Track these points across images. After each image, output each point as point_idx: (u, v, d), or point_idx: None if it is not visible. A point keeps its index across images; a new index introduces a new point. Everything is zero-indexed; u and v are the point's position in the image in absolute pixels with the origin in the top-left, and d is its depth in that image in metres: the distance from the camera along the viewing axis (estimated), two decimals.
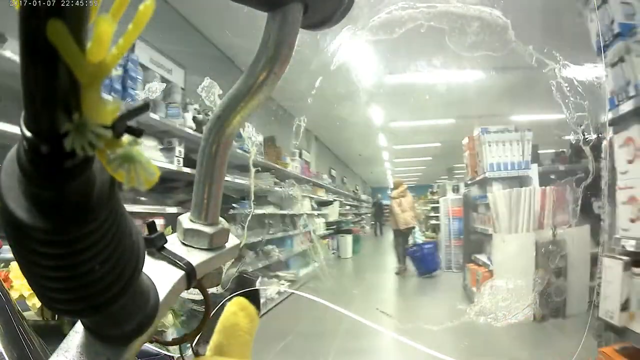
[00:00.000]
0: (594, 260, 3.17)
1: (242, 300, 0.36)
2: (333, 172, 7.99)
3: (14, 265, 0.66)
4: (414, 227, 6.16)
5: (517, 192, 3.28)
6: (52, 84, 0.14)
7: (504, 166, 3.60)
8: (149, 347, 0.43)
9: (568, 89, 1.84)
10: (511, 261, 3.11)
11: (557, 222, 3.17)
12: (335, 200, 7.16)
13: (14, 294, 0.63)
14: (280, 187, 4.16)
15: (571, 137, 2.21)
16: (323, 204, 6.68)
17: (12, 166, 0.16)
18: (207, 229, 0.31)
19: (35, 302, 0.62)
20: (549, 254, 2.98)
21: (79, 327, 0.24)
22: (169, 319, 0.67)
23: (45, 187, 0.16)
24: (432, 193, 9.64)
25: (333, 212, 6.86)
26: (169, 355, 0.41)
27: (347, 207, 8.64)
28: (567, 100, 1.85)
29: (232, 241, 0.34)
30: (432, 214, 8.72)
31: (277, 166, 4.13)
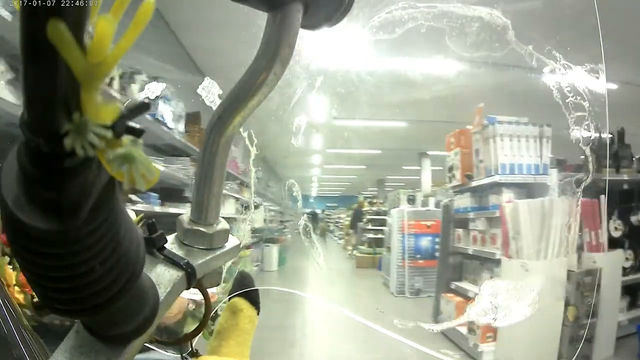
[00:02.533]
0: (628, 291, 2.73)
1: (241, 300, 0.36)
2: (259, 174, 6.86)
3: None
4: None
5: (549, 203, 2.40)
6: (52, 84, 0.14)
7: (519, 169, 2.71)
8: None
9: (568, 89, 1.84)
10: None
11: (591, 246, 2.49)
12: (261, 204, 6.13)
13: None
14: None
15: (572, 138, 2.15)
16: (248, 207, 5.97)
17: (12, 166, 0.16)
18: (207, 229, 0.31)
19: None
20: (583, 288, 2.27)
21: (79, 327, 0.24)
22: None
23: (45, 187, 0.16)
24: (372, 203, 8.85)
25: (258, 218, 5.78)
26: (169, 356, 0.42)
27: (272, 214, 7.83)
28: (567, 100, 1.84)
29: (232, 241, 0.34)
30: (370, 227, 7.91)
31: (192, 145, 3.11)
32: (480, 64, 3.15)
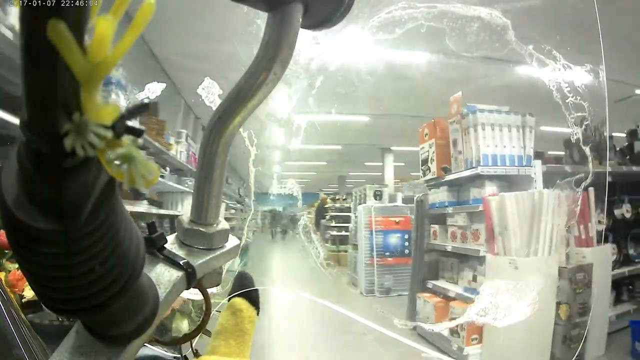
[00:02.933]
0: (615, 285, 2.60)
1: (241, 300, 0.36)
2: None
3: None
4: None
5: (539, 196, 2.23)
6: (53, 84, 0.14)
7: (502, 160, 2.55)
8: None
9: (568, 89, 1.83)
10: None
11: (580, 240, 2.37)
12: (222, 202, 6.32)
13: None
14: (162, 176, 3.07)
15: (572, 138, 2.09)
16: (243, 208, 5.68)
17: (13, 166, 0.16)
18: (207, 229, 0.32)
19: None
20: (575, 285, 2.14)
21: (79, 327, 0.24)
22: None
23: (46, 187, 0.16)
24: (335, 200, 8.73)
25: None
26: (169, 356, 0.41)
27: (232, 211, 7.70)
28: (567, 100, 1.83)
29: (232, 241, 0.34)
30: (334, 224, 7.79)
31: (157, 145, 2.98)
32: (450, 55, 3.06)
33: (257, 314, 0.37)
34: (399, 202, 5.29)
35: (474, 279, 2.65)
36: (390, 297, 4.41)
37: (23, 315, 0.35)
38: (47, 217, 0.16)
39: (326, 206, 8.58)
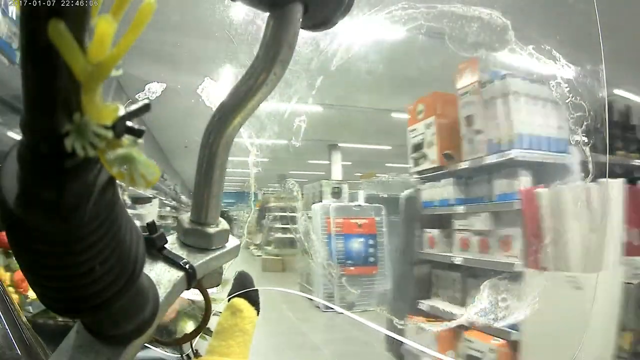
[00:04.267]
0: None
1: (241, 301, 0.36)
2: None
3: None
4: None
5: (605, 188, 1.64)
6: (53, 84, 0.14)
7: (539, 143, 1.88)
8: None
9: (568, 89, 1.65)
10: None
11: (632, 248, 1.77)
12: (154, 197, 5.39)
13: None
14: None
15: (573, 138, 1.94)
16: (137, 200, 4.97)
17: (13, 166, 0.16)
18: (207, 229, 0.32)
19: None
20: None
21: (79, 327, 0.24)
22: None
23: (46, 187, 0.16)
24: (280, 198, 7.73)
25: (151, 213, 5.03)
26: (169, 356, 0.41)
27: (168, 209, 7.21)
28: (567, 100, 1.62)
29: (232, 241, 0.34)
30: (279, 225, 7.07)
31: None
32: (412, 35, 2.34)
33: (257, 314, 0.37)
34: (361, 202, 4.57)
35: (500, 300, 1.87)
36: (355, 312, 3.84)
37: (23, 315, 0.35)
38: (47, 217, 0.16)
39: (268, 205, 7.97)
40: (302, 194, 6.86)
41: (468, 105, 2.13)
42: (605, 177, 1.63)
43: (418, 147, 2.49)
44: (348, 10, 0.31)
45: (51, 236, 0.16)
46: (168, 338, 0.32)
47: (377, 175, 5.50)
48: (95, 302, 0.19)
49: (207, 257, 0.31)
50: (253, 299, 0.37)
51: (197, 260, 0.30)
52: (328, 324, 3.55)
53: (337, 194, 4.79)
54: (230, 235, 0.34)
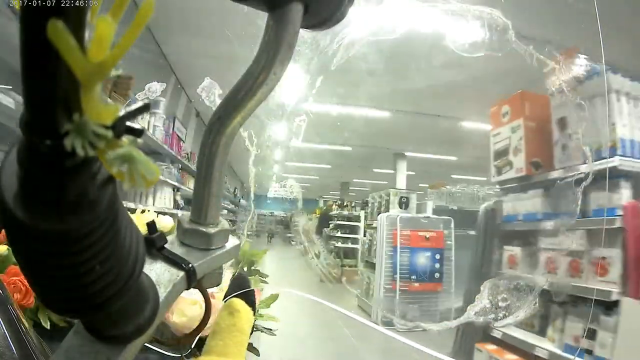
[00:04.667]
0: None
1: (238, 301, 0.36)
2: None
3: None
4: None
5: None
6: (53, 84, 0.14)
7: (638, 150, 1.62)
8: None
9: (568, 89, 1.61)
10: None
11: None
12: None
13: None
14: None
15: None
16: (190, 202, 5.17)
17: (13, 166, 0.16)
18: (207, 229, 0.32)
19: None
20: None
21: (79, 327, 0.24)
22: None
23: (46, 187, 0.16)
24: (343, 206, 7.41)
25: None
26: (169, 356, 0.43)
27: (225, 212, 6.99)
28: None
29: (232, 241, 0.34)
30: (338, 234, 6.69)
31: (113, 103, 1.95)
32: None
33: (254, 314, 0.37)
34: (429, 213, 4.32)
35: (590, 334, 1.60)
36: (415, 332, 3.37)
37: (23, 315, 0.35)
38: (47, 217, 0.16)
39: (331, 213, 7.63)
40: (367, 203, 6.82)
41: (561, 106, 1.84)
42: None
43: (502, 153, 2.20)
44: (348, 10, 0.31)
45: (51, 236, 0.16)
46: (168, 338, 0.33)
47: (446, 186, 5.19)
48: (95, 302, 0.19)
49: (207, 257, 0.31)
50: (250, 300, 0.37)
51: (197, 260, 0.30)
52: (386, 345, 3.33)
53: (404, 204, 4.49)
54: (230, 235, 0.33)
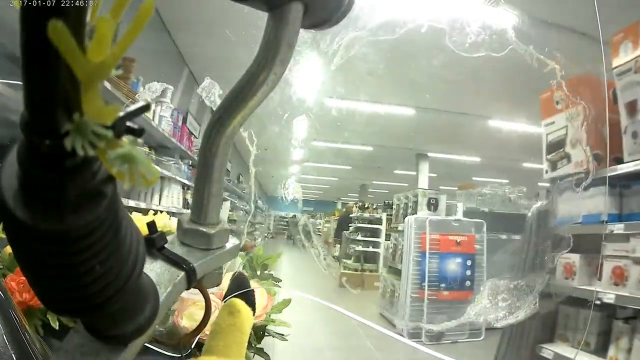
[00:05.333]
0: None
1: (237, 301, 0.36)
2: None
3: None
4: None
5: None
6: (53, 84, 0.14)
7: None
8: None
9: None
10: None
11: None
12: (226, 199, 4.89)
13: None
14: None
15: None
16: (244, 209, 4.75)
17: (13, 165, 0.16)
18: (207, 229, 0.32)
19: None
20: None
21: (79, 327, 0.24)
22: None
23: (46, 187, 0.16)
24: (364, 208, 7.00)
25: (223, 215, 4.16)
26: (168, 356, 0.43)
27: (242, 213, 6.56)
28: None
29: (232, 241, 0.34)
30: (359, 237, 6.31)
31: (119, 95, 1.98)
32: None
33: (254, 314, 0.37)
34: (460, 215, 3.93)
35: None
36: (443, 344, 3.21)
37: (23, 315, 0.35)
38: (47, 217, 0.16)
39: (352, 215, 7.20)
40: (390, 205, 6.40)
41: (630, 88, 1.55)
42: None
43: (556, 145, 1.88)
44: (349, 9, 0.31)
45: (51, 236, 0.16)
46: (168, 338, 0.33)
47: (475, 186, 4.85)
48: (95, 302, 0.19)
49: (207, 257, 0.31)
50: (249, 300, 0.37)
51: (197, 260, 0.30)
52: (412, 358, 3.12)
53: (434, 205, 4.08)
54: (230, 235, 0.33)
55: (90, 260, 0.18)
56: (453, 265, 3.61)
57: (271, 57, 0.29)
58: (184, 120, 3.48)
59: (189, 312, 0.53)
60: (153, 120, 2.60)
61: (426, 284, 3.44)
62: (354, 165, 7.97)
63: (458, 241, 3.62)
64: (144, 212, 0.80)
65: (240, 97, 0.29)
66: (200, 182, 0.31)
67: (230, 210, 5.39)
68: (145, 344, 0.30)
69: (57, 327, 0.51)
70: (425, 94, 4.01)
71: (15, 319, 0.34)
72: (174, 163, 3.00)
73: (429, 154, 6.96)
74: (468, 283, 3.59)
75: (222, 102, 0.31)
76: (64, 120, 0.14)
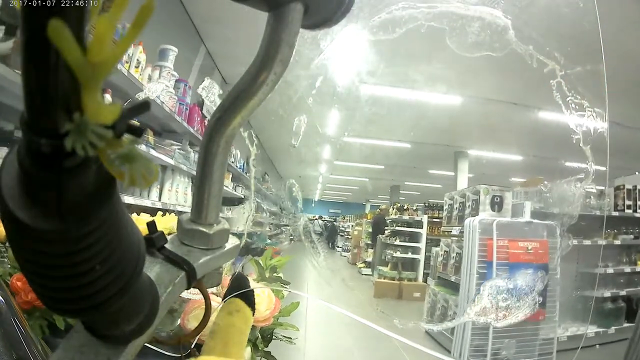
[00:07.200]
0: None
1: (237, 301, 0.36)
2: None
3: None
4: None
5: None
6: (53, 84, 0.14)
7: None
8: None
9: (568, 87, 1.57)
10: None
11: None
12: (246, 198, 4.26)
13: None
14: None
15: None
16: (228, 201, 3.98)
17: (13, 166, 0.16)
18: (207, 229, 0.32)
19: None
20: None
21: (79, 327, 0.24)
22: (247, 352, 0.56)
23: (46, 187, 0.16)
24: (403, 209, 6.17)
25: (242, 218, 3.70)
26: (168, 355, 0.43)
27: (266, 214, 6.19)
28: (567, 99, 1.49)
29: (232, 241, 0.34)
30: (397, 243, 5.74)
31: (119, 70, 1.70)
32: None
33: (253, 314, 0.37)
34: (528, 217, 3.19)
35: None
36: None
37: (22, 315, 0.36)
38: (47, 217, 0.16)
39: (387, 218, 6.55)
40: (415, 208, 6.10)
41: None
42: None
43: None
44: (348, 9, 0.31)
45: (51, 236, 0.16)
46: (168, 338, 0.33)
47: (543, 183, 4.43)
48: (95, 302, 0.19)
49: (207, 257, 0.31)
50: (249, 300, 0.37)
51: (197, 260, 0.30)
52: None
53: (498, 204, 3.34)
54: (230, 235, 0.33)
55: (90, 260, 0.18)
56: (524, 278, 2.78)
57: (271, 57, 0.29)
58: (200, 107, 2.88)
59: (195, 314, 0.53)
60: (146, 87, 1.92)
61: (497, 299, 3.01)
62: (388, 164, 7.41)
63: (529, 248, 2.92)
64: (136, 210, 0.74)
65: (241, 97, 0.29)
66: (200, 182, 0.31)
67: (255, 212, 4.81)
68: (145, 344, 0.30)
69: (62, 328, 0.52)
70: (478, 80, 3.55)
71: (16, 319, 0.34)
72: (178, 148, 2.30)
73: (469, 152, 6.38)
74: (540, 299, 2.82)
75: (222, 102, 0.31)
76: (64, 120, 0.14)
